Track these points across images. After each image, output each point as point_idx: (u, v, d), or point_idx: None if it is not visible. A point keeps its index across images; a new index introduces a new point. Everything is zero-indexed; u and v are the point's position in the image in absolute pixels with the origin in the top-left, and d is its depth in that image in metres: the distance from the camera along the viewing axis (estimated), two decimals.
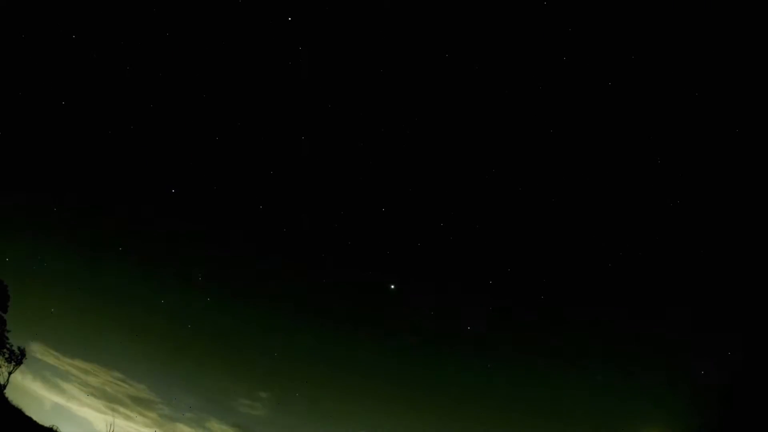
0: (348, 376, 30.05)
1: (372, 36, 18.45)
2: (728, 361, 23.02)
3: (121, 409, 34.25)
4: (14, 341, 27.82)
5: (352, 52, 18.96)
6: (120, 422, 34.40)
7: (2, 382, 27.29)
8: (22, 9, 19.20)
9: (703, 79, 17.59)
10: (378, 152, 21.64)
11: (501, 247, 23.07)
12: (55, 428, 30.21)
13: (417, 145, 20.84)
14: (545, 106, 19.01)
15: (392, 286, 25.92)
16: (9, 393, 27.65)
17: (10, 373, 27.61)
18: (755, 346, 22.98)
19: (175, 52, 20.01)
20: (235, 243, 25.18)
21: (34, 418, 28.19)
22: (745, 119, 17.75)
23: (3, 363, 27.27)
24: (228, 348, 29.59)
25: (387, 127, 20.74)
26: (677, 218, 20.22)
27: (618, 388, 26.42)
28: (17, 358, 27.58)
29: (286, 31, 18.50)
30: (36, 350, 31.30)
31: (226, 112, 21.78)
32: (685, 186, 19.60)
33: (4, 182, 24.32)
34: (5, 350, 27.10)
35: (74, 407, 34.94)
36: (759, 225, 19.87)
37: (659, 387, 25.50)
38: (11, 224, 26.91)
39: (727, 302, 21.93)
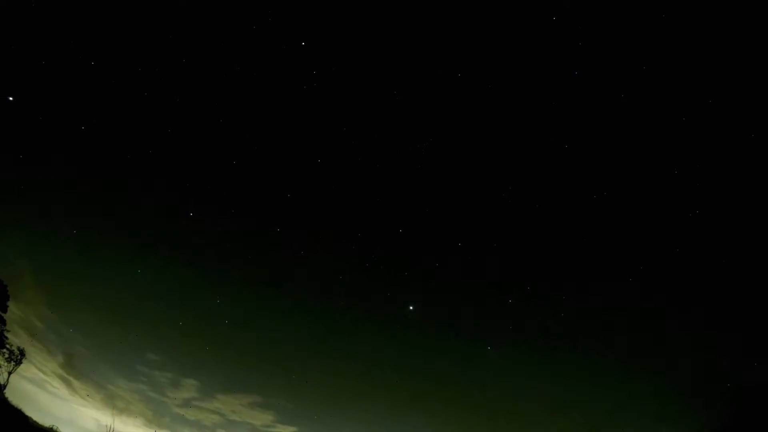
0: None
1: (386, 58, 18.54)
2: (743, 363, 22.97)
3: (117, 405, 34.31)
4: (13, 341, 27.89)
5: (366, 75, 19.00)
6: (120, 422, 34.44)
7: (2, 382, 27.28)
8: (41, 35, 19.60)
9: (715, 85, 17.44)
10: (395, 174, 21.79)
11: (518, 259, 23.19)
12: (54, 428, 30.32)
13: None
14: (559, 121, 18.97)
15: (410, 308, 26.37)
16: (9, 393, 27.67)
17: (9, 373, 27.60)
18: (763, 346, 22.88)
19: (192, 79, 20.26)
20: None
21: (34, 418, 28.28)
22: (757, 124, 17.57)
23: (3, 363, 27.24)
24: None
25: (403, 151, 20.90)
26: (693, 226, 20.10)
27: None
28: (17, 358, 27.58)
29: (300, 56, 18.80)
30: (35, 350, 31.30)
31: (242, 137, 21.88)
32: (702, 196, 19.45)
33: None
34: (5, 350, 27.08)
35: (74, 407, 34.99)
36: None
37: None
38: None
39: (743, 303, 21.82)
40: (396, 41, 17.89)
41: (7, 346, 27.38)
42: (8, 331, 27.65)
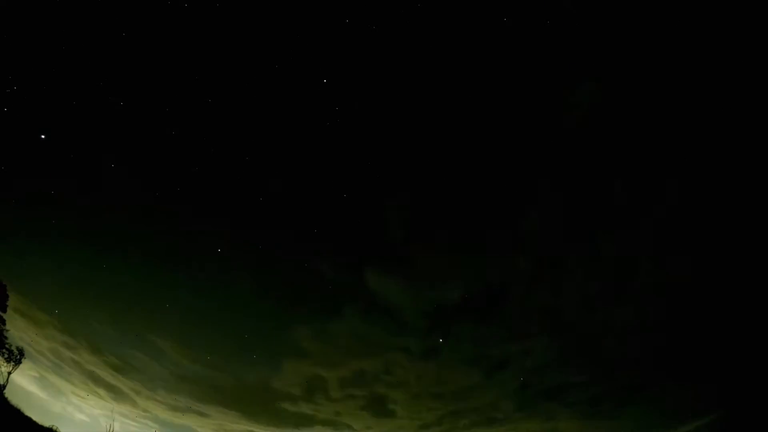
0: None
1: (401, 95, 19.04)
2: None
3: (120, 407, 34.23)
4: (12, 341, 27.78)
5: (385, 111, 19.42)
6: (119, 422, 34.38)
7: (2, 382, 27.18)
8: (70, 76, 19.96)
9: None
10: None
11: None
12: (54, 428, 30.22)
13: None
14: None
15: None
16: (8, 393, 27.59)
17: (9, 373, 27.51)
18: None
19: (218, 119, 20.69)
20: None
21: (34, 418, 28.20)
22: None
23: (2, 363, 27.15)
24: None
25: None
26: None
27: None
28: (16, 358, 27.50)
29: (323, 93, 19.20)
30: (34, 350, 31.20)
31: (266, 175, 22.31)
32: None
33: None
34: (4, 350, 27.00)
35: (74, 407, 34.91)
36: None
37: None
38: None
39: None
40: (412, 81, 18.52)
41: (7, 346, 27.30)
42: (8, 330, 27.57)
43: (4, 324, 27.09)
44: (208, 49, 18.65)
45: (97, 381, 32.29)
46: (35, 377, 32.71)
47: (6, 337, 27.54)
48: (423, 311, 26.68)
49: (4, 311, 26.68)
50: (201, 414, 33.90)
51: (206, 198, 23.31)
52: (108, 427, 31.97)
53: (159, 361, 30.92)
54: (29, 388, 33.78)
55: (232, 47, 18.50)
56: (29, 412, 28.16)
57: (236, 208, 23.53)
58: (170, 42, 18.50)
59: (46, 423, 29.92)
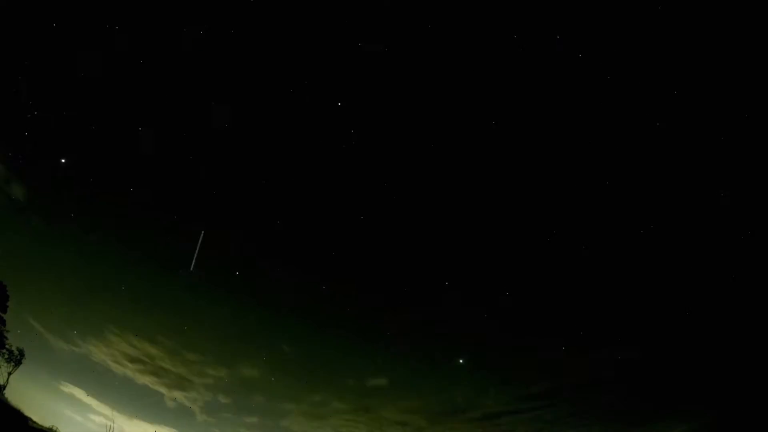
0: None
1: (416, 116, 19.50)
2: None
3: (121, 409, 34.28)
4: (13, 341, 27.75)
5: (402, 133, 19.84)
6: (119, 423, 34.43)
7: (2, 383, 27.16)
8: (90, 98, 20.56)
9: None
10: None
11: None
12: (54, 428, 30.19)
13: None
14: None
15: None
16: (8, 393, 27.57)
17: (9, 374, 27.49)
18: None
19: (240, 142, 21.30)
20: None
21: (34, 418, 28.15)
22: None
23: (3, 363, 27.12)
24: None
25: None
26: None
27: None
28: (16, 359, 27.46)
29: (338, 116, 19.71)
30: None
31: (286, 200, 23.02)
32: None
33: None
34: (4, 351, 26.95)
35: (74, 407, 34.93)
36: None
37: None
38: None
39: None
40: (421, 97, 18.80)
41: (7, 346, 27.25)
42: (8, 331, 27.52)
43: (4, 324, 27.04)
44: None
45: None
46: None
47: (6, 338, 27.49)
48: None
49: (5, 311, 26.65)
50: None
51: None
52: (108, 427, 32.03)
53: None
54: None
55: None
56: (29, 413, 28.13)
57: None
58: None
59: (46, 423, 29.90)
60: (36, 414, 28.83)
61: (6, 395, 27.44)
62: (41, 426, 29.29)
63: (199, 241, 24.12)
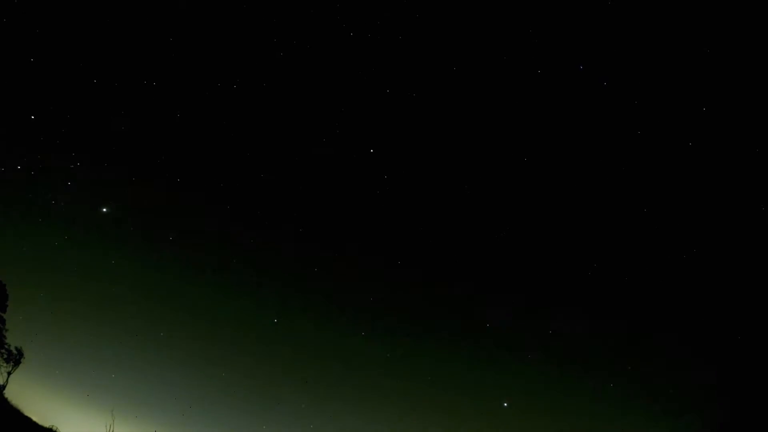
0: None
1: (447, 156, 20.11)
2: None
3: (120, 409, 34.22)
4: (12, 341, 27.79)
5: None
6: (120, 423, 34.37)
7: (2, 383, 27.20)
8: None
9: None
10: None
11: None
12: (54, 428, 30.17)
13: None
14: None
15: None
16: (8, 393, 27.57)
17: (9, 374, 27.52)
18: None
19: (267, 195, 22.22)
20: None
21: (34, 418, 28.15)
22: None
23: (2, 363, 27.18)
24: None
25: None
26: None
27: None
28: (15, 359, 27.50)
29: (371, 162, 20.29)
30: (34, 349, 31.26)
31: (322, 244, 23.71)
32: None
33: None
34: (3, 351, 27.02)
35: (74, 407, 34.92)
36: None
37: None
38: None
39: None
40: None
41: (6, 346, 27.31)
42: (7, 330, 27.58)
43: (4, 324, 27.14)
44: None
45: None
46: None
47: (6, 337, 27.58)
48: None
49: (4, 311, 26.76)
50: None
51: None
52: (108, 427, 31.96)
53: None
54: None
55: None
56: (29, 413, 28.14)
57: None
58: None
59: (46, 423, 29.86)
60: (36, 414, 28.84)
61: (6, 395, 27.44)
62: (41, 426, 29.28)
63: None
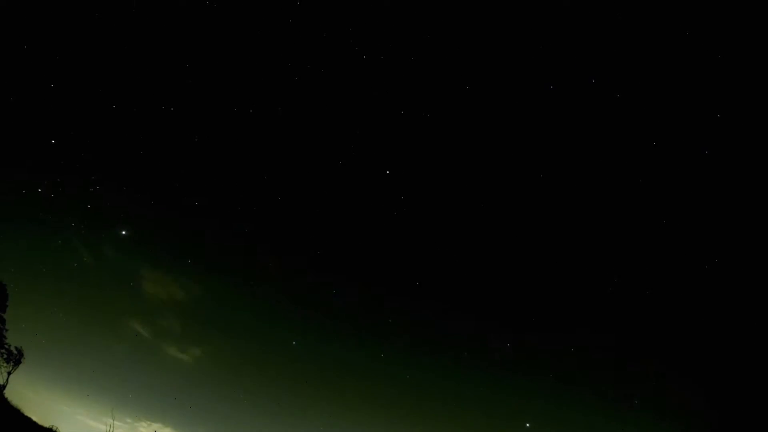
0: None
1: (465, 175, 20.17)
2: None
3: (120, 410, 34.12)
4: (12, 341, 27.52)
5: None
6: (119, 423, 34.30)
7: (2, 383, 27.03)
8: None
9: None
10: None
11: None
12: (54, 428, 30.00)
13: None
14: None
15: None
16: (8, 393, 27.37)
17: (9, 374, 27.38)
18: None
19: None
20: None
21: (34, 418, 27.97)
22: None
23: (2, 363, 27.01)
24: None
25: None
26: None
27: None
28: (15, 359, 27.30)
29: (388, 184, 20.66)
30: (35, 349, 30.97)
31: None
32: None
33: None
34: (3, 351, 26.82)
35: (74, 408, 34.79)
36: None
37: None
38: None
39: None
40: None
41: (6, 346, 27.09)
42: (7, 330, 27.33)
43: (4, 324, 26.96)
44: None
45: None
46: None
47: (6, 337, 27.38)
48: None
49: (4, 311, 26.58)
50: None
51: None
52: (108, 427, 31.84)
53: None
54: None
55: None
56: (29, 413, 27.97)
57: None
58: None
59: (46, 423, 29.68)
60: (36, 414, 28.67)
61: (6, 395, 27.26)
62: (41, 426, 29.12)
63: None
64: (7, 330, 27.27)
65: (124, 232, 23.45)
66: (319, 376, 28.74)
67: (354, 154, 19.90)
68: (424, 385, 28.02)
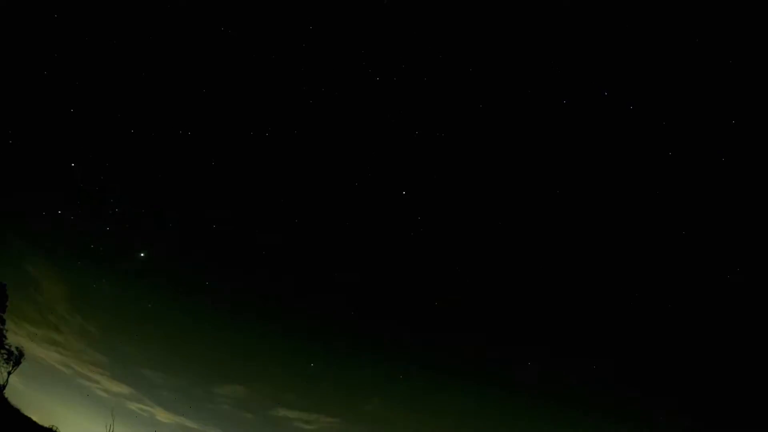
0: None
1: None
2: None
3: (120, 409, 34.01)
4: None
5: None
6: (120, 423, 34.16)
7: (2, 383, 26.92)
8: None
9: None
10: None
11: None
12: (54, 428, 29.87)
13: None
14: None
15: None
16: (8, 393, 27.24)
17: (9, 374, 27.29)
18: None
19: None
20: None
21: (34, 418, 27.84)
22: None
23: (2, 363, 26.88)
24: None
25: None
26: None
27: None
28: (15, 359, 27.19)
29: (404, 204, 20.70)
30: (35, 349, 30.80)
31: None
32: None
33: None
34: (3, 351, 26.69)
35: (74, 408, 34.67)
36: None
37: None
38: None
39: None
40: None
41: (6, 346, 26.95)
42: (8, 330, 27.18)
43: (4, 324, 26.82)
44: None
45: None
46: None
47: (5, 337, 27.23)
48: None
49: (4, 311, 26.44)
50: None
51: None
52: (108, 427, 31.71)
53: None
54: None
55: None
56: (29, 413, 27.88)
57: None
58: None
59: (46, 423, 29.58)
60: (36, 414, 28.55)
61: (6, 395, 27.13)
62: (41, 426, 29.03)
63: None
64: (7, 330, 27.10)
65: (142, 254, 24.05)
66: (334, 398, 28.96)
67: (369, 176, 20.20)
68: (447, 410, 28.13)
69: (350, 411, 28.78)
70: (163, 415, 34.14)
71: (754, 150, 17.35)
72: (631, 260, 20.00)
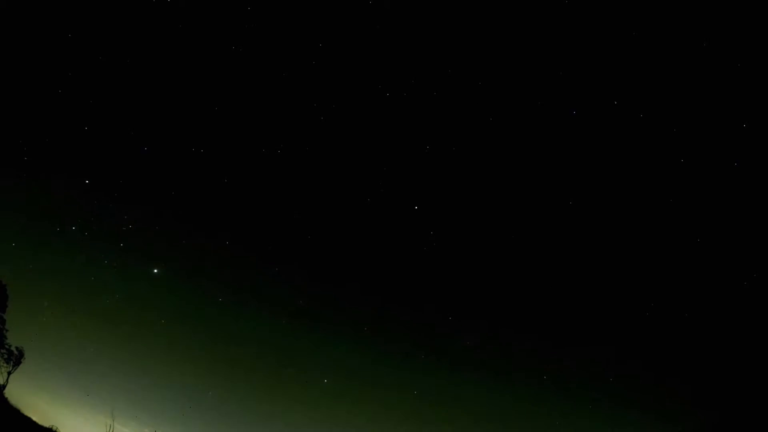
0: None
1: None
2: None
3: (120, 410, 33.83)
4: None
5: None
6: (120, 424, 34.00)
7: (2, 383, 26.82)
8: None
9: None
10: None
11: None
12: (54, 428, 29.73)
13: None
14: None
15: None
16: (8, 393, 27.11)
17: (9, 374, 27.21)
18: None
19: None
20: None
21: (34, 418, 27.68)
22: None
23: (2, 363, 26.76)
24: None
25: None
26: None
27: None
28: (16, 359, 27.06)
29: (417, 219, 20.92)
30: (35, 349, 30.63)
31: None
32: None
33: None
34: (3, 351, 26.58)
35: (74, 407, 34.50)
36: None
37: None
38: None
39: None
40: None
41: (7, 346, 26.84)
42: (7, 330, 27.06)
43: (4, 324, 26.73)
44: None
45: None
46: None
47: (6, 337, 27.15)
48: None
49: (4, 311, 26.34)
50: None
51: None
52: (108, 427, 31.58)
53: None
54: None
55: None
56: (29, 413, 27.76)
57: None
58: None
59: (46, 423, 29.45)
60: (36, 414, 28.41)
61: (6, 395, 27.01)
62: (41, 426, 28.94)
63: None
64: (7, 330, 26.96)
65: (156, 271, 24.13)
66: (348, 414, 28.76)
67: (382, 191, 20.40)
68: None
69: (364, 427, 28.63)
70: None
71: (767, 153, 17.22)
72: (646, 270, 20.00)
